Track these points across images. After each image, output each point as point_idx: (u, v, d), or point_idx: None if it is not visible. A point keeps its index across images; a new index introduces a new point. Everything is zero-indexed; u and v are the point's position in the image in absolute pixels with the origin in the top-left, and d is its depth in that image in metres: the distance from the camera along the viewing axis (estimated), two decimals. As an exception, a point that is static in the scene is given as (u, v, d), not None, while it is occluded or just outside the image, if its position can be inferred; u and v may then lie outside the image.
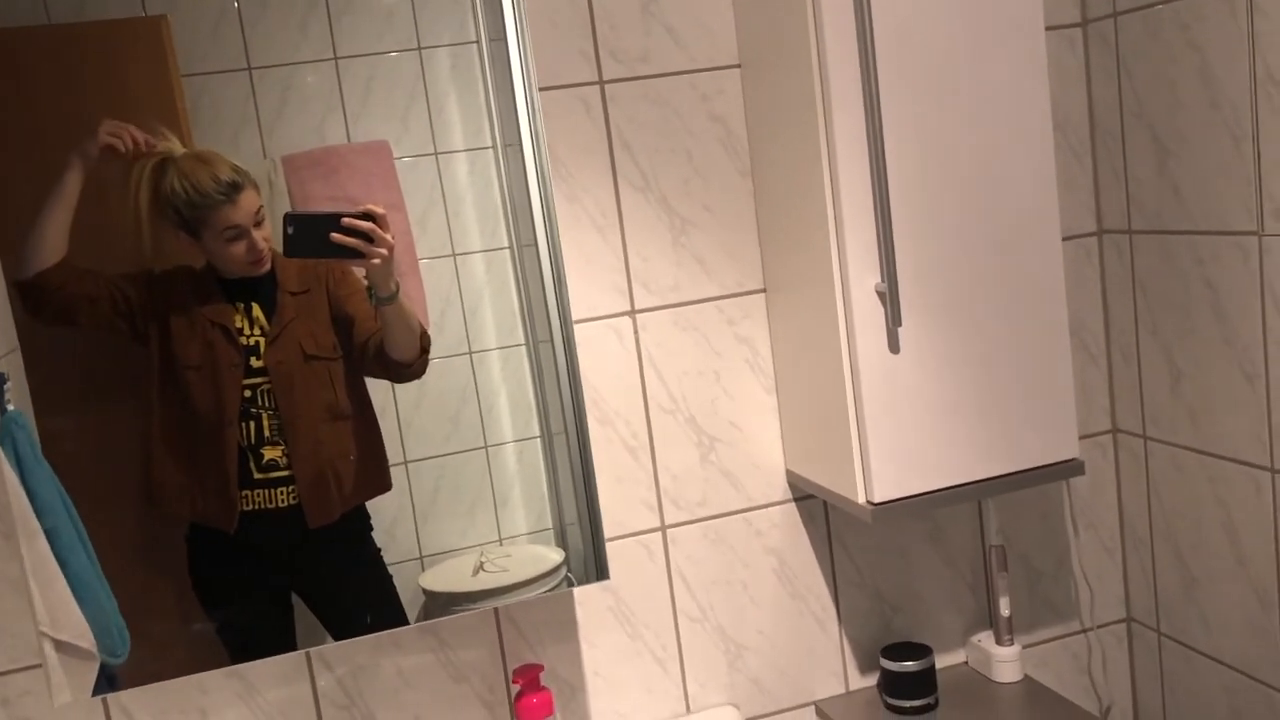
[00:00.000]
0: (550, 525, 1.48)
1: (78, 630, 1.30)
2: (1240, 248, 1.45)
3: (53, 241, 1.27)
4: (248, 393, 1.34)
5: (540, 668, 1.47)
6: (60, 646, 1.30)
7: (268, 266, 1.34)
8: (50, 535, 1.27)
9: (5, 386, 1.26)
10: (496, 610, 1.53)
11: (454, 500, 1.43)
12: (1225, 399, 1.53)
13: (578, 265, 1.51)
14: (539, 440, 1.46)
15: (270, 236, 1.33)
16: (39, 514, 1.26)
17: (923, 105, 1.33)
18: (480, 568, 1.45)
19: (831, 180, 1.33)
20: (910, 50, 1.31)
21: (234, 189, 1.30)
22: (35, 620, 1.26)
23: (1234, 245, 1.46)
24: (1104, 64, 1.64)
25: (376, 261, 1.31)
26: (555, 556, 1.48)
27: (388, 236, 1.31)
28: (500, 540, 1.46)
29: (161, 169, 1.29)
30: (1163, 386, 1.64)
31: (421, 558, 1.43)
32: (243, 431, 1.34)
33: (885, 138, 1.31)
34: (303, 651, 1.46)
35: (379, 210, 1.31)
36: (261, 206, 1.32)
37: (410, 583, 1.43)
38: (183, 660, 1.38)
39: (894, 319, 1.33)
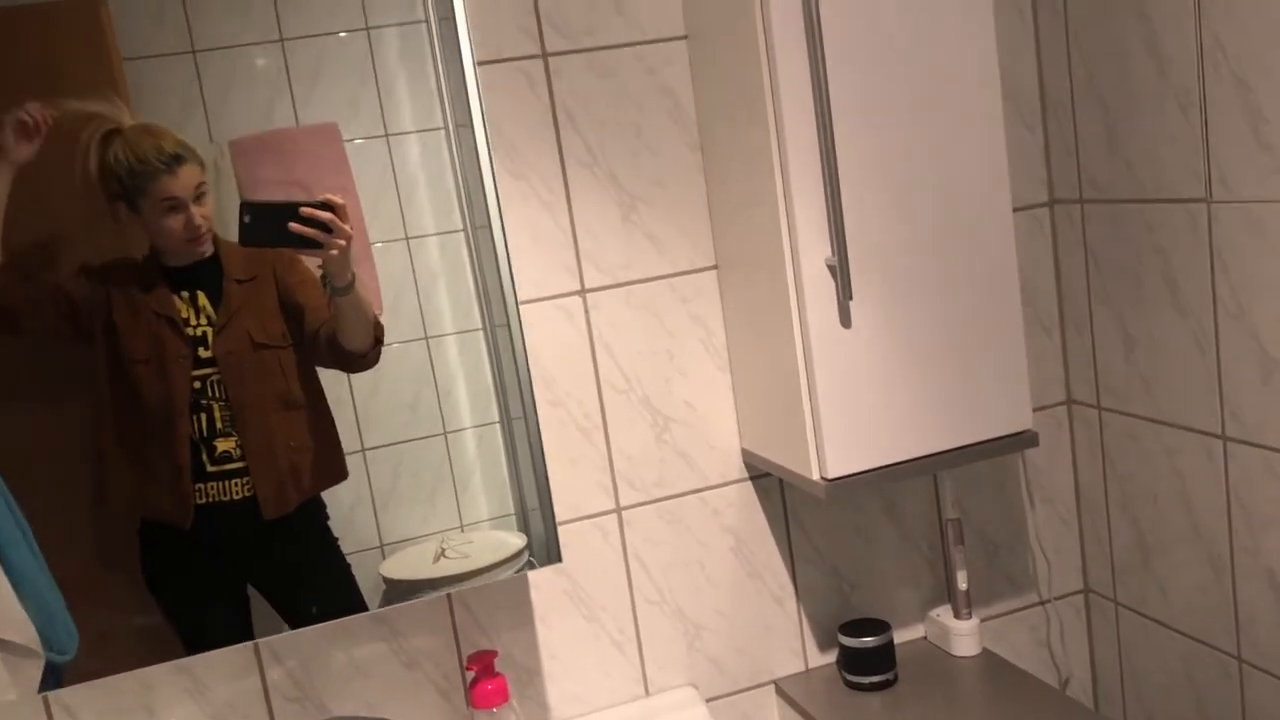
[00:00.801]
0: (512, 510, 1.46)
1: (19, 627, 1.27)
2: (1189, 214, 1.45)
3: None
4: (197, 384, 1.31)
5: (494, 653, 1.45)
6: (2, 645, 1.27)
7: (206, 247, 1.31)
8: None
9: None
10: (449, 596, 1.50)
11: (414, 487, 1.41)
12: (1178, 367, 1.53)
13: (524, 244, 1.48)
14: (498, 425, 1.44)
15: (210, 215, 1.29)
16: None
17: (871, 76, 1.31)
18: (441, 554, 1.43)
19: (780, 153, 1.31)
20: (857, 20, 1.29)
21: (176, 160, 1.27)
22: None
23: (1183, 213, 1.46)
24: (1054, 34, 1.63)
25: (334, 252, 1.28)
26: (517, 541, 1.46)
27: (346, 227, 1.29)
28: (462, 526, 1.44)
29: (108, 140, 1.26)
30: (1116, 356, 1.64)
31: (382, 546, 1.41)
32: (194, 424, 1.31)
33: (833, 109, 1.29)
34: (251, 644, 1.43)
35: (338, 200, 1.28)
36: (203, 183, 1.29)
37: (371, 572, 1.41)
38: (128, 656, 1.35)
39: (844, 293, 1.32)
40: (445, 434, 1.42)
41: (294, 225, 1.27)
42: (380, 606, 1.41)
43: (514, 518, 1.47)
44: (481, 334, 1.43)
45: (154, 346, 1.30)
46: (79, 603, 1.30)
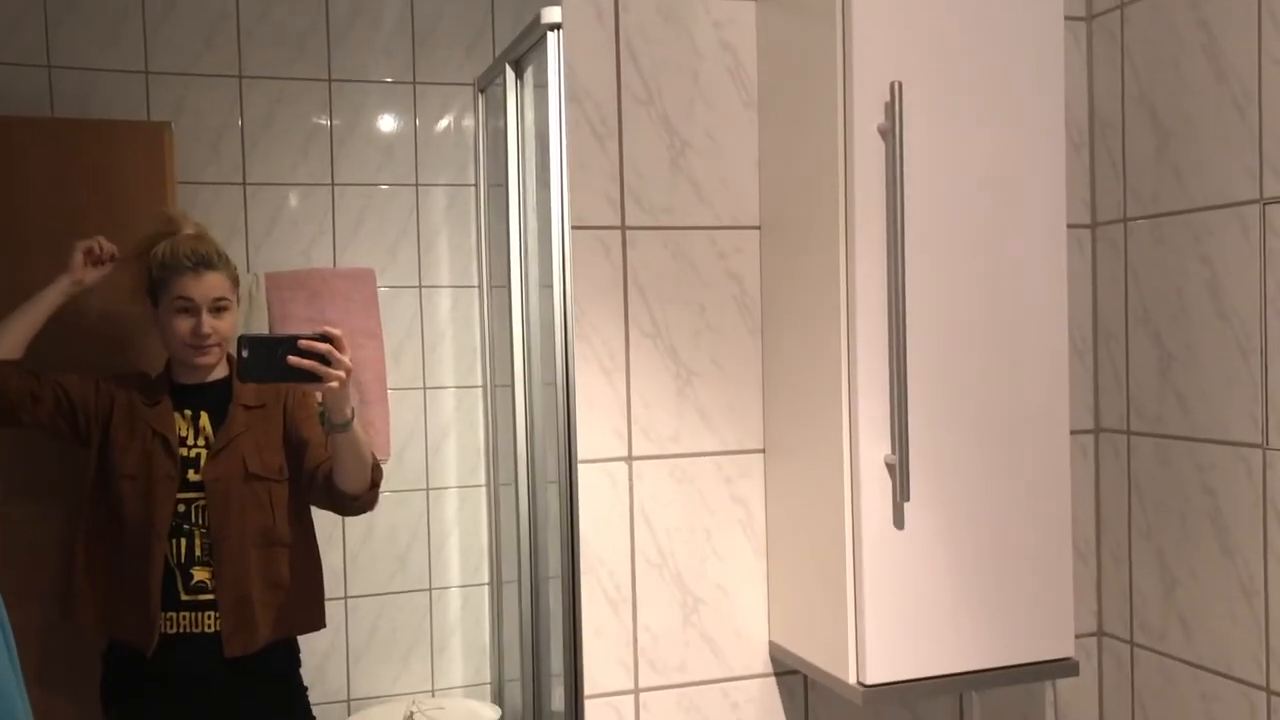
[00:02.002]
0: (489, 680, 1.41)
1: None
2: (1244, 459, 1.45)
3: (11, 344, 1.24)
4: (181, 507, 1.28)
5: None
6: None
7: (211, 359, 1.30)
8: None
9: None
10: (451, 764, 1.43)
11: (390, 643, 1.38)
12: (1221, 612, 1.50)
13: (580, 406, 1.48)
14: (488, 588, 1.40)
15: (224, 331, 1.29)
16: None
17: (944, 286, 1.34)
18: (410, 718, 1.37)
19: (849, 349, 1.32)
20: (936, 231, 1.33)
21: (203, 263, 1.28)
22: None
23: (1236, 456, 1.46)
24: (1111, 266, 1.67)
25: (333, 385, 1.27)
26: (490, 714, 1.41)
27: (345, 359, 1.28)
28: (433, 691, 1.38)
29: (160, 237, 1.29)
30: (1154, 592, 1.61)
31: (349, 700, 1.35)
32: (173, 548, 1.28)
33: (907, 313, 1.31)
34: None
35: (335, 331, 1.28)
36: (225, 298, 1.29)
37: None
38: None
39: (902, 493, 1.31)
40: (430, 590, 1.39)
41: (292, 358, 1.26)
42: None
43: (489, 687, 1.42)
44: (485, 491, 1.41)
45: (144, 463, 1.28)
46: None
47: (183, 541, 1.28)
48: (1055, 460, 1.40)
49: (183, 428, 1.29)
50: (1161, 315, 1.58)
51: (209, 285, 1.29)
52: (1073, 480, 1.70)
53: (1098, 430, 1.72)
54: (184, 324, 1.28)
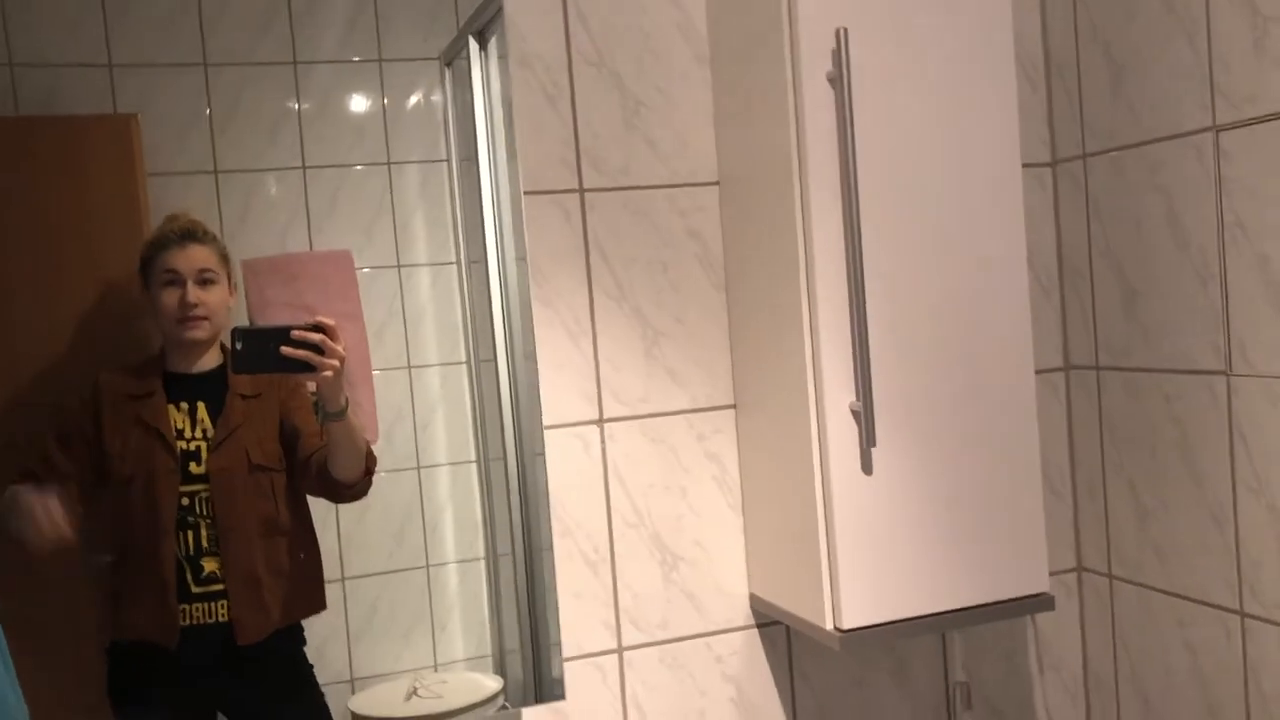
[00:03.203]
0: (490, 652, 1.42)
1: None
2: (1209, 387, 1.46)
3: None
4: (185, 500, 1.28)
5: (483, 794, 1.39)
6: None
7: (199, 334, 1.29)
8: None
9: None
10: (441, 731, 1.44)
11: (390, 622, 1.39)
12: (1194, 540, 1.51)
13: (547, 371, 1.48)
14: (484, 561, 1.41)
15: (211, 304, 1.29)
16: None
17: (903, 231, 1.34)
18: (414, 692, 1.38)
19: (809, 299, 1.33)
20: (892, 176, 1.33)
21: (187, 235, 1.28)
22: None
23: (1202, 384, 1.47)
24: (1073, 203, 1.68)
25: (327, 374, 1.27)
26: (493, 685, 1.42)
27: (339, 348, 1.27)
28: (435, 665, 1.39)
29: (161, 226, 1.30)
30: (1129, 525, 1.63)
31: (353, 680, 1.36)
32: (180, 542, 1.28)
33: (864, 261, 1.31)
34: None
35: (329, 322, 1.28)
36: (211, 270, 1.29)
37: (339, 705, 1.37)
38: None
39: (869, 439, 1.31)
40: (428, 567, 1.40)
41: (285, 349, 1.26)
42: None
43: (490, 659, 1.43)
44: (475, 467, 1.41)
45: (142, 460, 1.27)
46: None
47: (189, 534, 1.28)
48: (1021, 397, 1.40)
49: (179, 420, 1.29)
50: (1124, 249, 1.59)
51: (194, 257, 1.28)
52: (1044, 418, 1.72)
53: (1067, 368, 1.73)
54: (171, 296, 1.28)
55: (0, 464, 1.24)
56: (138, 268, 1.28)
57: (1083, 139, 1.63)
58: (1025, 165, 1.66)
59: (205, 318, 1.29)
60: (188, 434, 1.29)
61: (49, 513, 1.21)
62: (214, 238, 1.29)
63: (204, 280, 1.28)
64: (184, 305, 1.28)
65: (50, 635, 1.28)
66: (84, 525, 1.25)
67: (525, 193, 1.43)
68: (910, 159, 1.34)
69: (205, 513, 1.29)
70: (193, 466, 1.29)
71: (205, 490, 1.29)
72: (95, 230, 1.29)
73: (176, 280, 1.28)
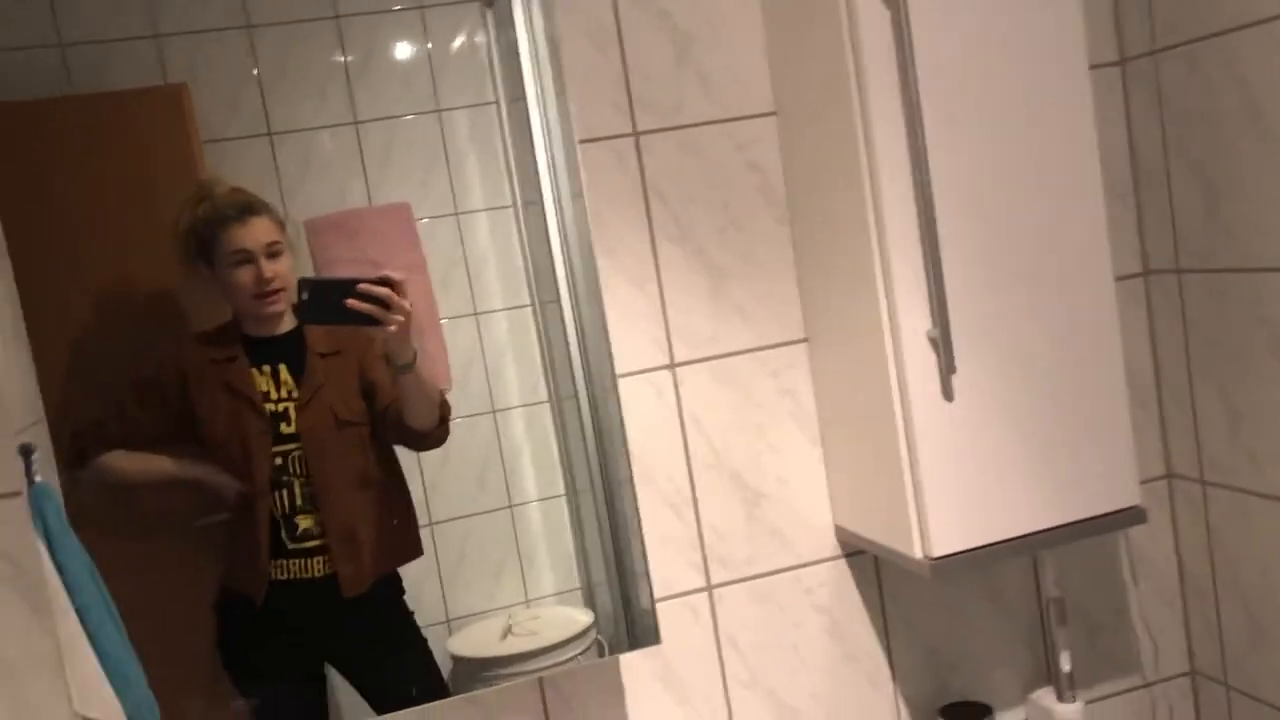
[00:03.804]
0: (578, 585, 1.44)
1: (108, 708, 1.25)
2: (1299, 284, 1.41)
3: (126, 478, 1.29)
4: (278, 460, 1.31)
5: (588, 738, 1.42)
6: (88, 723, 1.26)
7: (279, 307, 1.30)
8: (80, 610, 1.23)
9: (33, 458, 1.23)
10: (540, 678, 1.47)
11: (480, 562, 1.40)
12: (1289, 441, 1.47)
13: (613, 319, 1.47)
14: (564, 499, 1.42)
15: (284, 275, 1.29)
16: (68, 588, 1.22)
17: (969, 147, 1.30)
18: (509, 630, 1.41)
19: (878, 227, 1.30)
20: (957, 91, 1.29)
21: (246, 210, 1.28)
22: (70, 700, 1.22)
23: (1292, 282, 1.42)
24: (1144, 102, 1.61)
25: (393, 328, 1.27)
26: (584, 618, 1.44)
27: (405, 303, 1.27)
28: (527, 601, 1.42)
29: (199, 203, 1.28)
30: (1220, 430, 1.59)
31: (448, 621, 1.39)
32: (276, 500, 1.30)
33: (932, 181, 1.27)
34: (342, 725, 1.41)
35: (396, 276, 1.28)
36: (278, 241, 1.29)
37: (437, 647, 1.40)
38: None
39: (947, 366, 1.29)
40: (511, 508, 1.41)
41: (351, 302, 1.27)
42: (448, 684, 1.40)
43: (579, 593, 1.45)
44: (548, 407, 1.42)
45: (233, 425, 1.30)
46: (157, 681, 1.29)
47: (284, 493, 1.31)
48: (1101, 307, 1.37)
49: (263, 383, 1.31)
50: (1202, 147, 1.52)
51: (259, 231, 1.28)
52: (1125, 326, 1.67)
53: (1146, 273, 1.68)
54: (245, 275, 1.28)
55: (87, 438, 1.27)
56: (193, 248, 1.28)
57: (1153, 33, 1.56)
58: (1092, 67, 1.60)
59: (282, 289, 1.30)
60: (273, 395, 1.31)
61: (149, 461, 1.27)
62: (268, 205, 1.29)
63: (273, 253, 1.29)
64: (260, 282, 1.29)
65: (161, 593, 1.31)
66: (187, 486, 1.29)
67: (581, 141, 1.41)
68: (972, 70, 1.30)
69: (298, 471, 1.31)
70: (283, 427, 1.31)
71: (297, 449, 1.31)
72: (156, 202, 1.30)
73: (248, 259, 1.28)
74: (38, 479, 1.22)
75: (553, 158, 1.41)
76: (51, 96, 1.26)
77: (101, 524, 1.24)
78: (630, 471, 1.40)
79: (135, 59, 1.27)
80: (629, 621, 1.43)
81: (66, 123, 1.27)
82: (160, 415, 1.28)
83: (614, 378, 1.39)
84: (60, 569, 1.22)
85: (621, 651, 1.45)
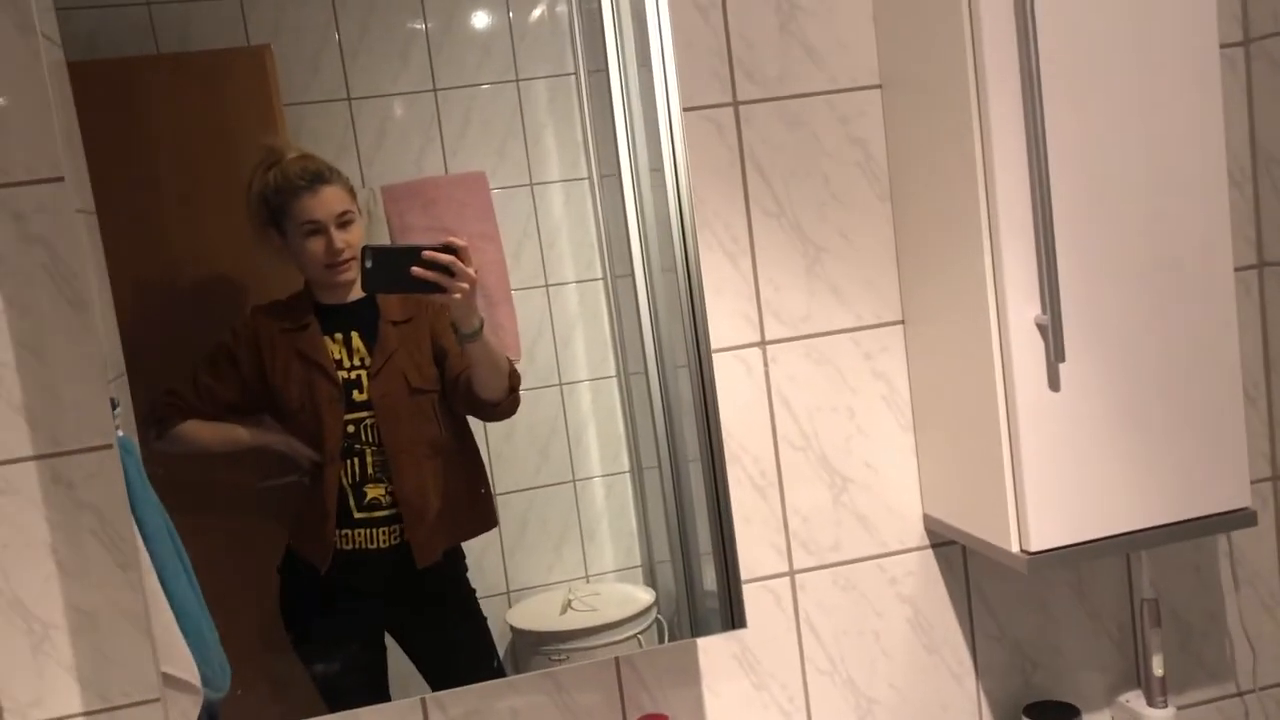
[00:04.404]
0: (639, 563, 1.42)
1: (184, 663, 1.26)
2: None
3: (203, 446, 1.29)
4: (351, 428, 1.30)
5: (664, 718, 1.39)
6: (167, 680, 1.26)
7: (351, 275, 1.29)
8: (157, 566, 1.24)
9: (116, 412, 1.23)
10: (617, 657, 1.45)
11: (541, 534, 1.39)
12: None
13: (707, 293, 1.44)
14: (629, 475, 1.40)
15: (356, 244, 1.28)
16: (146, 542, 1.23)
17: (1089, 126, 1.24)
18: (569, 605, 1.39)
19: (989, 207, 1.25)
20: (1076, 67, 1.23)
21: (317, 179, 1.26)
22: (155, 655, 1.22)
23: None
24: (1270, 85, 1.53)
25: (458, 296, 1.26)
26: (645, 597, 1.42)
27: (469, 270, 1.26)
28: (587, 577, 1.40)
29: (269, 169, 1.27)
30: (1335, 431, 1.52)
31: (509, 592, 1.38)
32: (346, 469, 1.30)
33: (1049, 161, 1.22)
34: (418, 698, 1.40)
35: (460, 243, 1.26)
36: (349, 210, 1.28)
37: (497, 618, 1.39)
38: (287, 705, 1.34)
39: (1056, 354, 1.24)
40: (574, 481, 1.40)
41: (415, 269, 1.25)
42: (507, 656, 1.39)
43: (640, 570, 1.43)
44: (615, 382, 1.40)
45: (306, 392, 1.29)
46: (228, 639, 1.30)
47: (355, 461, 1.30)
48: (1219, 300, 1.30)
49: (335, 351, 1.30)
50: (1331, 133, 1.45)
51: (330, 200, 1.27)
52: (1238, 320, 1.60)
53: (1261, 264, 1.60)
54: (316, 245, 1.27)
55: (163, 407, 1.28)
56: (264, 215, 1.27)
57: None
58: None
59: (353, 258, 1.29)
60: (346, 363, 1.30)
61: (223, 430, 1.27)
62: (338, 174, 1.28)
63: (344, 223, 1.28)
64: (332, 252, 1.28)
65: (227, 554, 1.32)
66: (262, 454, 1.29)
67: (683, 110, 1.37)
68: (1095, 47, 1.24)
69: (370, 439, 1.30)
70: (355, 394, 1.30)
71: (370, 417, 1.30)
72: (237, 164, 1.29)
73: (319, 229, 1.27)
74: (119, 433, 1.22)
75: (632, 129, 1.38)
76: (137, 55, 1.26)
77: (172, 488, 1.25)
78: (722, 450, 1.36)
79: (219, 20, 1.26)
80: (692, 603, 1.41)
81: (152, 82, 1.27)
82: (234, 383, 1.28)
83: (708, 352, 1.36)
84: (140, 524, 1.22)
85: (686, 635, 1.43)
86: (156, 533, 1.24)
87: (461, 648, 1.39)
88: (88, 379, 1.30)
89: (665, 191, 1.35)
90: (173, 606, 1.26)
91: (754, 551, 1.49)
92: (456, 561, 1.37)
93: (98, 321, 1.23)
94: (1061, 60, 1.22)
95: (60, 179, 1.26)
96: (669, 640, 1.42)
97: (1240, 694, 1.67)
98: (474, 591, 1.37)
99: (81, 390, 1.30)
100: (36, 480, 1.30)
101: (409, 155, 1.32)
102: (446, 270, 1.26)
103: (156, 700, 1.35)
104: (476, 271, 1.28)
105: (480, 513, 1.36)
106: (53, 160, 1.27)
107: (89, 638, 1.34)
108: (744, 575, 1.48)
